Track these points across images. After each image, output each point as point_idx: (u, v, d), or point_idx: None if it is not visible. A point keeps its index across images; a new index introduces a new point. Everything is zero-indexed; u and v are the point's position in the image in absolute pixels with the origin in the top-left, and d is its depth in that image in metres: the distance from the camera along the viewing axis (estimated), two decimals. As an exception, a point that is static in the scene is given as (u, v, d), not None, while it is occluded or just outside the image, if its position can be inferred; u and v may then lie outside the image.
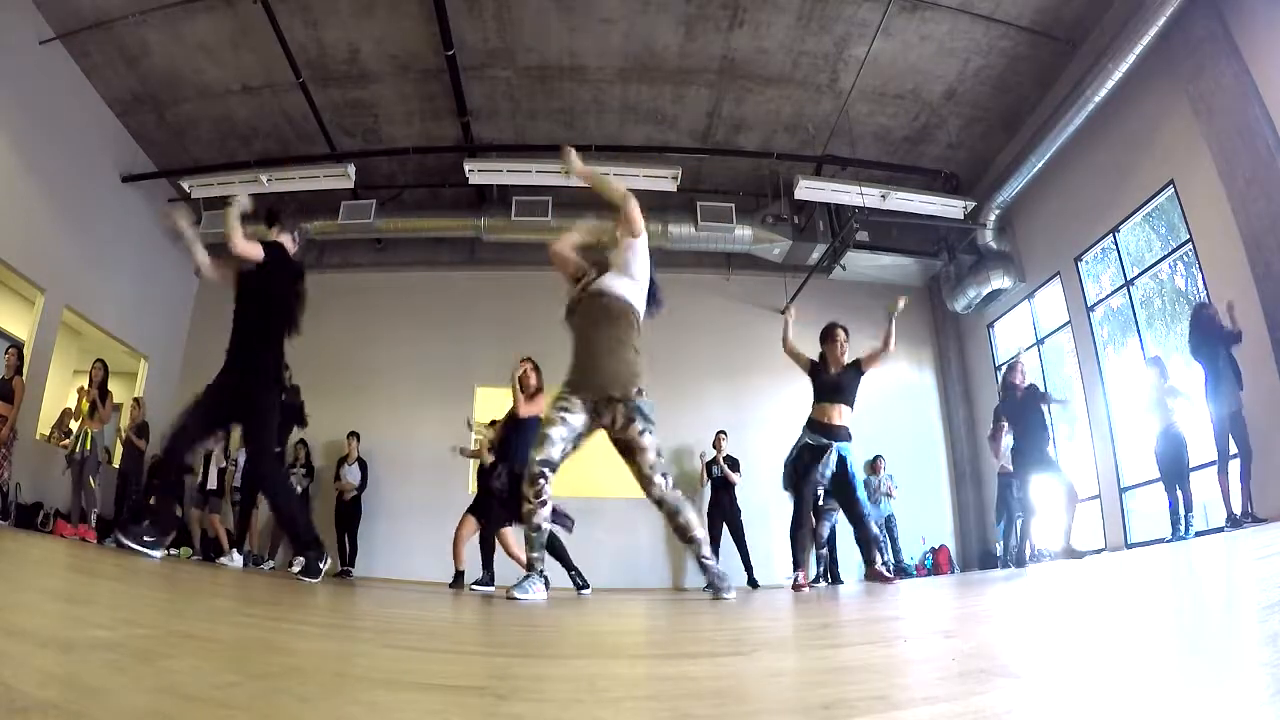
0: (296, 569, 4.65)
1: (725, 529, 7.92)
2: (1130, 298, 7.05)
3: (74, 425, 7.03)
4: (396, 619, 1.92)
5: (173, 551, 7.46)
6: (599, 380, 2.95)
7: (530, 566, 2.97)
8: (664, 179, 7.99)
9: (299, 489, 8.24)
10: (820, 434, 4.52)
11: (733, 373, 9.24)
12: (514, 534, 5.13)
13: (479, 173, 8.06)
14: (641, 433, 2.91)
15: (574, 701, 0.72)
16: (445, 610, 2.48)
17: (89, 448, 6.76)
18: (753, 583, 7.73)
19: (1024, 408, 5.71)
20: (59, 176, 7.28)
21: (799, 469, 4.52)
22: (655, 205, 8.79)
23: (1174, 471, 5.70)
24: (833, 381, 4.56)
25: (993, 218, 8.52)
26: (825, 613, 2.38)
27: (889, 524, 8.34)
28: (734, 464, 8.12)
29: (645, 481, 2.96)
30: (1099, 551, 6.70)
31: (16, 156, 6.72)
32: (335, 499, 8.06)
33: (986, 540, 8.83)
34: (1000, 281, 8.58)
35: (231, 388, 3.64)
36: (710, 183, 9.05)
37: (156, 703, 0.60)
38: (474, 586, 5.11)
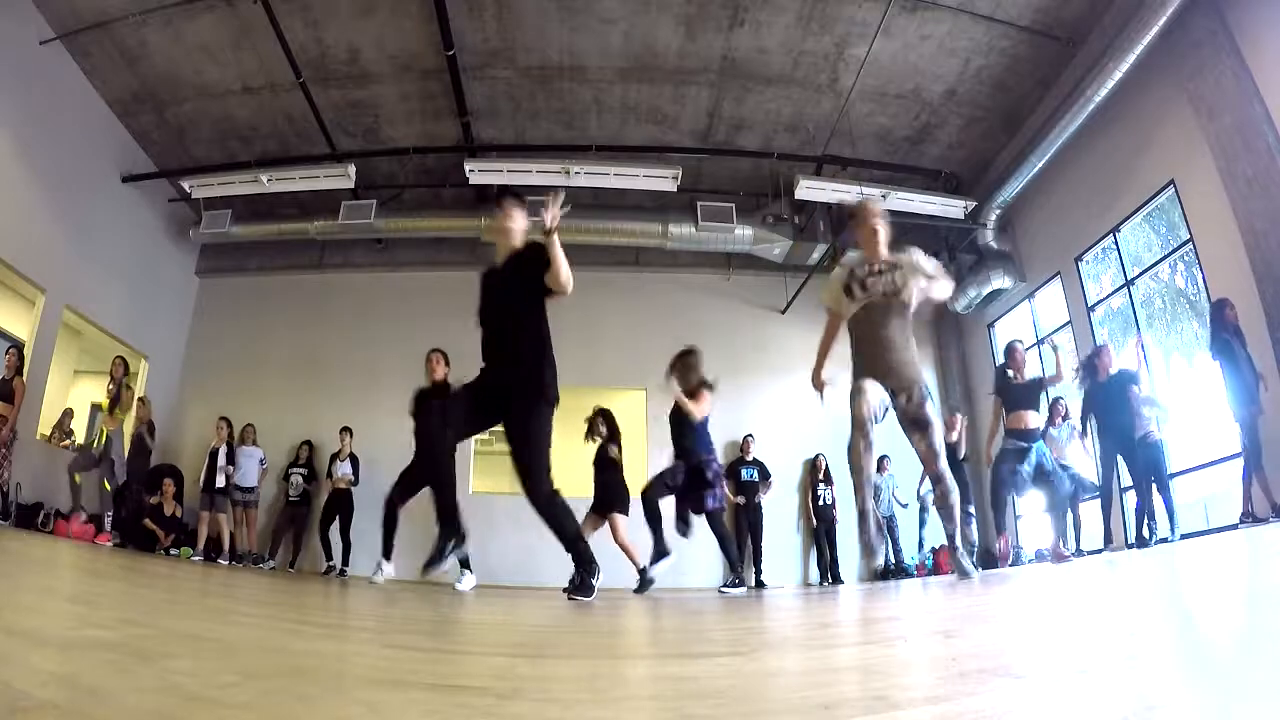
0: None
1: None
2: (1131, 298, 7.04)
3: (100, 423, 7.03)
4: (397, 619, 1.92)
5: (173, 552, 7.46)
6: (903, 373, 3.33)
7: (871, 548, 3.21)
8: (664, 179, 7.98)
9: (298, 490, 8.26)
10: (1019, 439, 5.26)
11: (733, 373, 9.23)
12: (624, 524, 5.35)
13: (479, 173, 8.05)
14: (934, 411, 3.30)
15: (575, 701, 0.72)
16: (445, 610, 2.48)
17: (104, 446, 6.76)
18: (760, 584, 7.78)
19: (1110, 391, 6.03)
20: (59, 176, 7.28)
21: (1004, 473, 5.26)
22: (656, 205, 8.81)
23: (1147, 478, 5.90)
24: (1022, 390, 5.38)
25: (993, 217, 8.52)
26: (825, 613, 2.38)
27: (890, 524, 8.36)
28: (764, 470, 8.26)
29: (931, 457, 3.31)
30: (1100, 551, 6.69)
31: (16, 157, 6.72)
32: (327, 494, 8.10)
33: (987, 540, 8.82)
34: (1001, 281, 8.57)
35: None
36: (711, 183, 9.05)
37: (156, 703, 0.60)
38: (723, 589, 5.09)
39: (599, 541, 5.50)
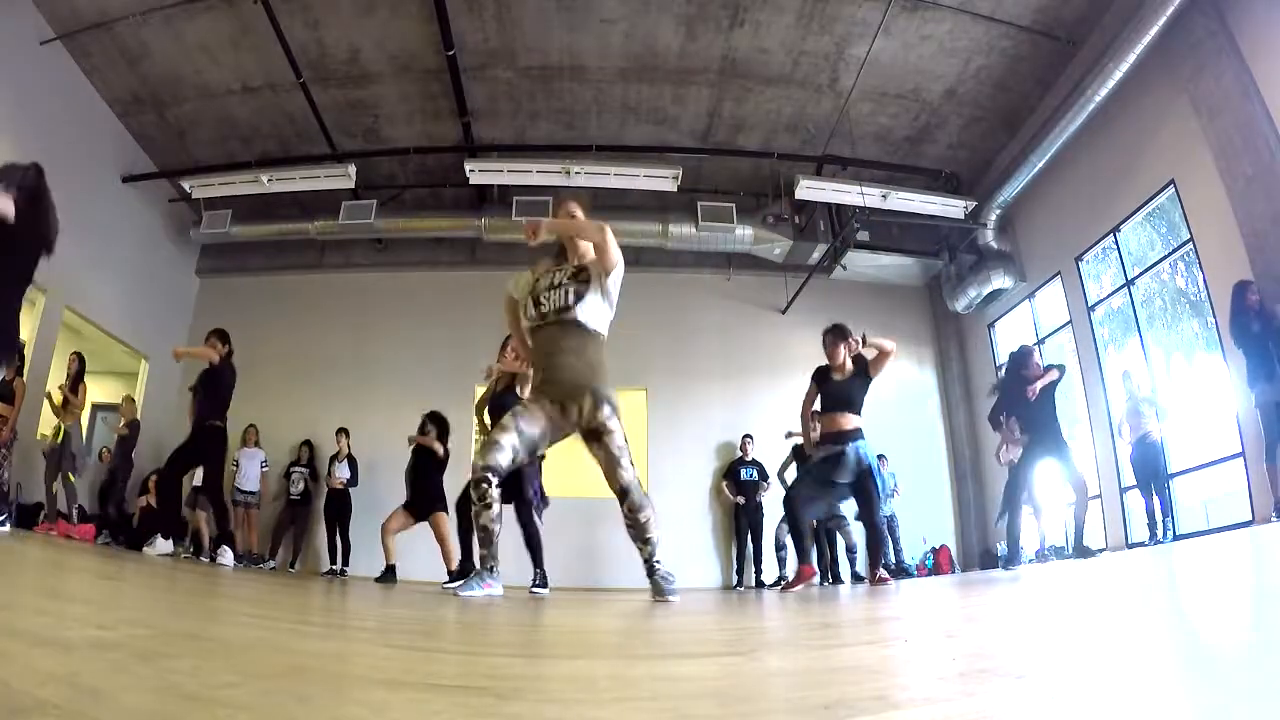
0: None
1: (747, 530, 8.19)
2: (1131, 297, 7.04)
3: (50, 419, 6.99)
4: (396, 619, 1.92)
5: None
6: (564, 380, 2.90)
7: (481, 563, 2.89)
8: (664, 179, 7.99)
9: (299, 490, 8.25)
10: (832, 441, 4.47)
11: (734, 373, 9.25)
12: (445, 521, 5.38)
13: (479, 173, 8.06)
14: (609, 417, 2.86)
15: (574, 701, 0.72)
16: (445, 610, 2.48)
17: (59, 442, 6.72)
18: (759, 584, 7.81)
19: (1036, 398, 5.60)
20: (59, 176, 7.15)
21: (804, 491, 4.57)
22: (656, 205, 8.81)
23: (1148, 478, 5.87)
24: (838, 389, 4.54)
25: (993, 217, 8.52)
26: (825, 613, 2.38)
27: (891, 523, 8.36)
28: (763, 471, 8.24)
29: (611, 466, 2.87)
30: (1099, 551, 6.70)
31: (16, 157, 6.68)
32: (325, 494, 8.13)
33: (987, 540, 8.83)
34: (1001, 281, 8.57)
35: None
36: (711, 183, 9.05)
37: (156, 703, 0.60)
38: (446, 585, 4.97)
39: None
